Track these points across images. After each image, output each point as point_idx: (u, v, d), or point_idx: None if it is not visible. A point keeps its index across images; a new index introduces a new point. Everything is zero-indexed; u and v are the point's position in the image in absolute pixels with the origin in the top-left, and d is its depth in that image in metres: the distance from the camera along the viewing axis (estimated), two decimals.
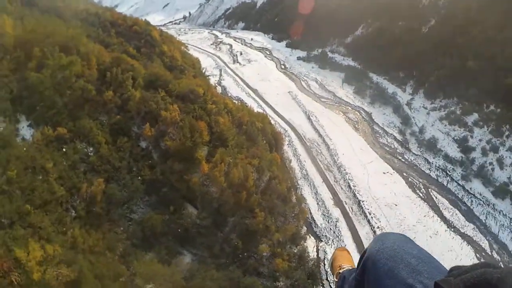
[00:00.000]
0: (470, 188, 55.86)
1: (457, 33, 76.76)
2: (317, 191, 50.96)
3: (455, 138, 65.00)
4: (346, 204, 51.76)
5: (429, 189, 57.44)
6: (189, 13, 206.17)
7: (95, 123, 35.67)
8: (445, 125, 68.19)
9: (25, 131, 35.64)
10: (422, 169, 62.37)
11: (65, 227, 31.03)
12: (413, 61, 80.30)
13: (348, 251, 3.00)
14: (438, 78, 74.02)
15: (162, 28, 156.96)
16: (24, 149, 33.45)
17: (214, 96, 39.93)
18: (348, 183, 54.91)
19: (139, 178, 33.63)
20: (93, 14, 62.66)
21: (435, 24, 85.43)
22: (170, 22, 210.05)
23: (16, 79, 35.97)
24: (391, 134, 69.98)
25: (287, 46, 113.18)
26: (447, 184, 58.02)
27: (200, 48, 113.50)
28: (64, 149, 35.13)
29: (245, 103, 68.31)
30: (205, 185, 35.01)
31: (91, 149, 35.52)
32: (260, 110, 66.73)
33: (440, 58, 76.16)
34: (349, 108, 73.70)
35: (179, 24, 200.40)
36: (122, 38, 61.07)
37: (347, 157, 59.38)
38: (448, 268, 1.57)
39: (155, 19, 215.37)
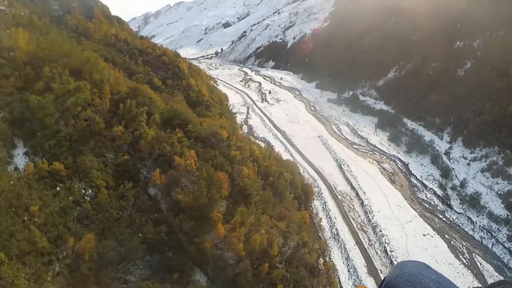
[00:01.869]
0: None
1: (496, 76, 69.91)
2: (348, 256, 42.43)
3: (499, 192, 57.22)
4: (381, 273, 42.92)
5: (473, 254, 49.32)
6: (221, 49, 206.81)
7: (98, 161, 29.52)
8: (487, 178, 60.80)
9: (20, 159, 29.69)
10: (465, 229, 53.86)
11: (43, 286, 24.33)
12: (450, 106, 73.79)
13: None
14: (477, 125, 66.71)
15: (194, 61, 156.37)
16: (11, 182, 27.53)
17: (239, 141, 33.47)
18: (384, 246, 46.20)
19: (140, 235, 26.76)
20: (122, 40, 58.95)
21: (471, 66, 78.95)
22: (202, 56, 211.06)
23: (20, 99, 30.66)
24: (431, 188, 61.81)
25: (317, 87, 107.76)
26: (492, 247, 49.73)
27: (229, 84, 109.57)
28: (57, 188, 29.02)
29: (272, 145, 61.64)
30: (220, 248, 27.66)
31: (89, 191, 29.18)
32: (287, 155, 59.81)
33: (479, 103, 69.25)
34: (384, 157, 65.72)
35: (211, 59, 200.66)
36: (149, 67, 56.62)
37: (383, 214, 50.90)
38: None
39: (188, 52, 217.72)
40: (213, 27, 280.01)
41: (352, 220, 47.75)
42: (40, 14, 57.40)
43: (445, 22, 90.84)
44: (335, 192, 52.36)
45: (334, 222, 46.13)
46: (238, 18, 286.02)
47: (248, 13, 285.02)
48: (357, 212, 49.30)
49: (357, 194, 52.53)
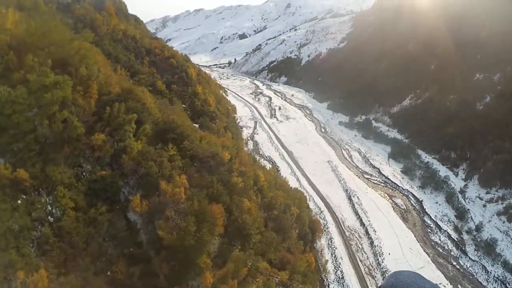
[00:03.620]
0: None
1: None
2: None
3: None
4: None
5: None
6: (235, 59, 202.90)
7: (72, 172, 23.87)
8: (503, 222, 55.92)
9: None
10: (479, 279, 48.54)
11: None
12: (466, 140, 69.02)
13: None
14: (495, 163, 61.78)
15: (206, 69, 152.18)
16: None
17: (243, 164, 27.78)
18: None
19: (109, 273, 20.94)
20: (130, 37, 53.97)
21: (490, 101, 74.05)
22: (215, 64, 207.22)
23: None
24: (445, 230, 56.17)
25: (329, 107, 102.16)
26: None
27: (239, 96, 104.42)
28: (19, 201, 23.40)
29: (277, 166, 55.85)
30: None
31: (55, 209, 23.47)
32: (293, 178, 53.92)
33: (497, 140, 64.53)
34: (397, 191, 59.64)
35: (223, 68, 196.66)
36: (155, 68, 51.55)
37: (394, 258, 44.69)
38: None
39: (202, 59, 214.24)
40: (229, 37, 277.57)
41: (359, 262, 41.54)
42: (48, 0, 53.29)
43: (465, 53, 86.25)
44: (343, 227, 46.19)
45: (340, 264, 39.90)
46: (254, 31, 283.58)
47: (265, 27, 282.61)
48: (365, 253, 43.06)
49: (366, 232, 46.35)
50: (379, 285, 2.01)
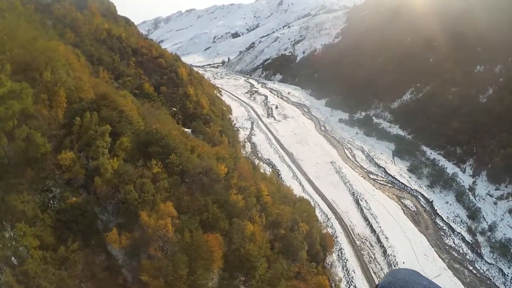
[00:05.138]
0: None
1: None
2: None
3: None
4: None
5: None
6: (228, 58, 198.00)
7: (37, 200, 19.41)
8: None
9: None
10: (497, 283, 45.64)
11: None
12: (471, 135, 66.06)
13: None
14: (503, 158, 59.25)
15: (200, 69, 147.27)
16: None
17: (242, 178, 23.39)
18: None
19: None
20: (115, 37, 49.26)
21: (493, 93, 71.09)
22: (208, 64, 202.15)
23: None
24: (459, 233, 52.90)
25: (327, 104, 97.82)
26: None
27: (233, 95, 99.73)
28: None
29: (278, 170, 51.53)
30: None
31: (20, 248, 18.99)
32: (296, 182, 49.59)
33: (503, 133, 61.87)
34: (405, 192, 55.59)
35: (217, 67, 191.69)
36: (142, 69, 46.99)
37: (409, 267, 40.45)
38: None
39: (195, 59, 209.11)
40: (222, 36, 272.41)
41: (373, 275, 37.35)
42: (26, 0, 48.82)
43: (464, 45, 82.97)
44: (353, 236, 41.95)
45: (353, 278, 35.67)
46: (247, 29, 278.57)
47: (258, 25, 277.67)
48: (379, 264, 38.90)
49: (378, 239, 42.19)
50: (377, 283, 1.84)
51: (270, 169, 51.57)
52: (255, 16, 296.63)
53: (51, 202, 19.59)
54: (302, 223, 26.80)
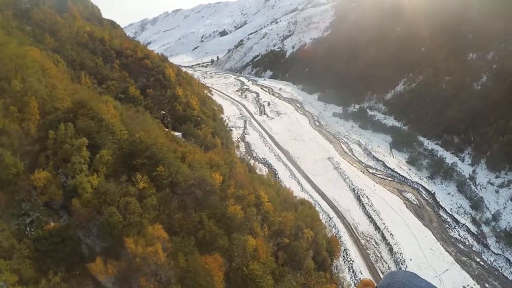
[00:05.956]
0: None
1: None
2: None
3: None
4: None
5: None
6: (217, 57, 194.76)
7: (13, 228, 17.01)
8: None
9: None
10: (505, 274, 44.83)
11: None
12: (468, 123, 65.45)
13: (373, 285, 2.35)
14: (501, 146, 58.94)
15: (189, 69, 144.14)
16: None
17: (239, 186, 21.16)
18: None
19: None
20: (97, 39, 46.53)
21: (487, 80, 70.23)
22: (197, 64, 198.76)
23: None
24: (463, 224, 51.91)
25: (319, 99, 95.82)
26: None
27: (224, 94, 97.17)
28: None
29: (274, 169, 49.38)
30: None
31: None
32: (294, 181, 47.56)
33: (501, 120, 61.32)
34: (406, 185, 53.93)
35: (206, 67, 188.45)
36: (127, 72, 44.38)
37: (417, 264, 39.13)
38: None
39: (184, 60, 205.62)
40: (210, 35, 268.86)
41: (381, 275, 35.51)
42: (4, 6, 45.99)
43: (455, 33, 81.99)
44: (357, 235, 40.03)
45: (360, 280, 33.78)
46: (235, 27, 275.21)
47: (245, 22, 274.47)
48: (386, 263, 37.07)
49: (383, 237, 40.35)
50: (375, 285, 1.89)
51: (267, 169, 49.43)
52: (242, 14, 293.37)
53: (28, 229, 17.16)
54: (307, 229, 24.73)
